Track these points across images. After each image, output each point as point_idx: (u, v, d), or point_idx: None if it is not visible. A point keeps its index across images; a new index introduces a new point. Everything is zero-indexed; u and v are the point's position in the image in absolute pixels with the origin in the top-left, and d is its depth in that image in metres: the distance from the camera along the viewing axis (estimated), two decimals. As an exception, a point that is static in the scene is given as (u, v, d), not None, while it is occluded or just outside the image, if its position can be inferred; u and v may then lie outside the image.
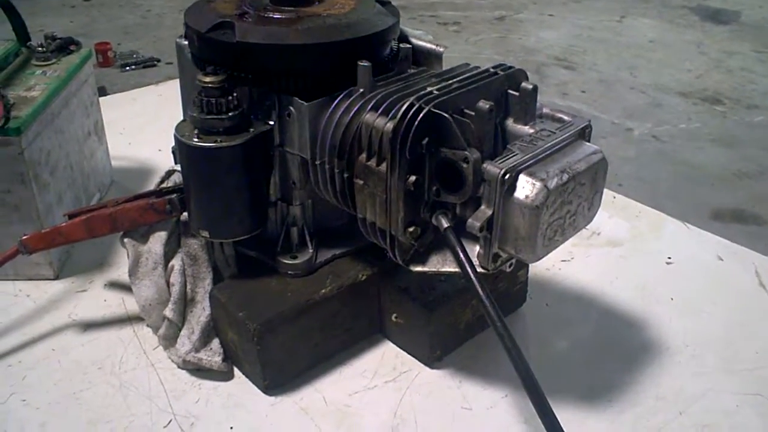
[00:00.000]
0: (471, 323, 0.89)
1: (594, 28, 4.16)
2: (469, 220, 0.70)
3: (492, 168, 0.69)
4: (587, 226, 1.10)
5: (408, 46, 0.86)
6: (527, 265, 0.93)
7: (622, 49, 3.91)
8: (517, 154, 0.71)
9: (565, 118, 0.79)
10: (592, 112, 3.26)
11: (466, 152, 0.70)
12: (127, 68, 2.55)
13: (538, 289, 0.98)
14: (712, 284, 1.01)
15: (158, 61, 2.77)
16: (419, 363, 0.87)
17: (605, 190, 1.23)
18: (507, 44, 4.01)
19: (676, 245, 1.09)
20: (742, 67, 3.73)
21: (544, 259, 1.03)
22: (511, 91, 0.77)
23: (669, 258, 1.06)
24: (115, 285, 0.99)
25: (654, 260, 1.06)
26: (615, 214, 1.16)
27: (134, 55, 2.63)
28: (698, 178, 2.90)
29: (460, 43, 3.98)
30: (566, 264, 1.04)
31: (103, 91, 2.94)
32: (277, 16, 0.81)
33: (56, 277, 1.00)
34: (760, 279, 1.01)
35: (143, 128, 1.39)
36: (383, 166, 0.73)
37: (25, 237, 0.86)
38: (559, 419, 0.70)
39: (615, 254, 1.07)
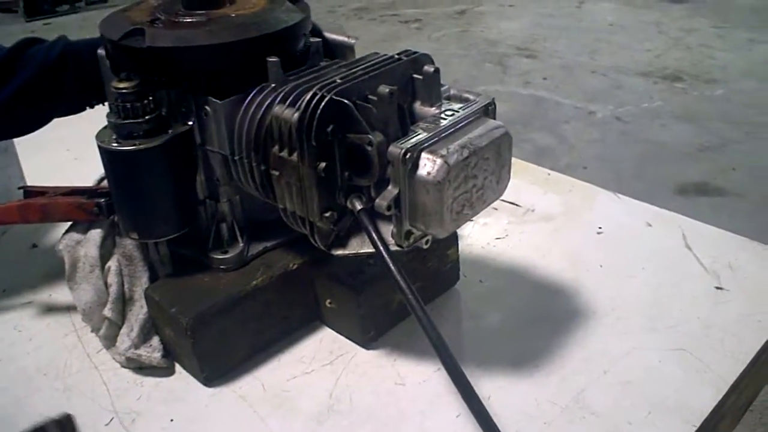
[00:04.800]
0: (404, 303, 0.91)
1: (554, 15, 4.22)
2: (377, 200, 0.73)
3: (394, 149, 0.72)
4: (521, 204, 1.15)
5: (318, 40, 0.89)
6: (457, 244, 0.96)
7: (582, 34, 3.97)
8: (420, 134, 0.74)
9: (471, 97, 0.82)
10: (555, 98, 3.32)
11: (369, 136, 0.74)
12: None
13: (473, 266, 1.01)
14: (640, 250, 1.04)
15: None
16: (355, 345, 0.90)
17: (540, 168, 1.27)
18: (469, 38, 4.06)
19: (607, 215, 1.12)
20: (701, 43, 3.80)
21: (479, 237, 1.08)
22: (416, 75, 0.81)
23: (600, 228, 1.09)
24: (59, 295, 1.01)
25: (585, 231, 1.09)
26: (549, 190, 1.19)
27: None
28: (662, 155, 2.95)
29: (423, 40, 4.03)
30: (500, 241, 1.07)
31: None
32: (187, 20, 0.84)
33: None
34: (686, 241, 1.04)
35: (89, 142, 1.40)
36: (294, 156, 0.76)
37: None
38: (485, 387, 0.74)
39: (548, 228, 1.10)
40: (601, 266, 1.01)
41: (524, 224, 1.11)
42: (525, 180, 1.21)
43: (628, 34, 3.94)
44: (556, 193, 1.19)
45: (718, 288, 0.95)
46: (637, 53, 3.68)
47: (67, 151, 1.39)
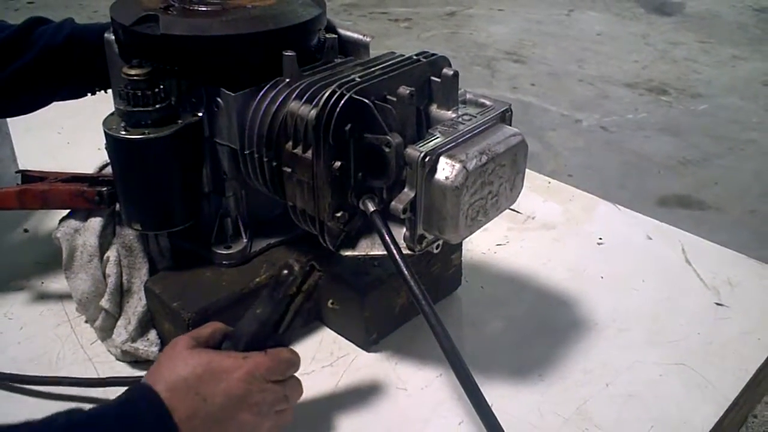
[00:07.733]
0: (406, 306, 0.90)
1: (543, 21, 4.24)
2: (393, 203, 0.72)
3: (413, 151, 0.71)
4: (521, 211, 1.14)
5: (334, 36, 0.87)
6: (461, 249, 0.95)
7: (570, 43, 3.99)
8: (438, 138, 0.73)
9: (487, 103, 0.81)
10: (542, 105, 3.33)
11: (387, 137, 0.73)
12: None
13: (474, 272, 1.01)
14: (640, 262, 1.04)
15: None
16: (356, 347, 0.89)
17: (541, 176, 1.27)
18: (458, 40, 4.06)
19: (608, 226, 1.12)
20: (687, 57, 3.84)
21: (479, 243, 1.07)
22: (433, 78, 0.80)
23: (600, 239, 1.09)
24: (53, 282, 0.98)
25: (586, 242, 1.09)
26: (549, 198, 1.19)
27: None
28: (645, 166, 2.97)
29: (412, 39, 4.02)
30: (501, 247, 1.07)
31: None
32: (202, 8, 0.82)
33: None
34: (687, 256, 1.05)
35: (82, 127, 1.37)
36: (309, 153, 0.74)
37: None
38: (488, 394, 0.72)
39: (549, 237, 1.10)
40: (602, 277, 1.01)
41: (525, 231, 1.11)
42: (525, 187, 1.20)
43: (615, 44, 3.97)
44: (557, 201, 1.18)
45: (718, 304, 0.96)
46: (624, 64, 3.71)
47: (58, 134, 1.36)
